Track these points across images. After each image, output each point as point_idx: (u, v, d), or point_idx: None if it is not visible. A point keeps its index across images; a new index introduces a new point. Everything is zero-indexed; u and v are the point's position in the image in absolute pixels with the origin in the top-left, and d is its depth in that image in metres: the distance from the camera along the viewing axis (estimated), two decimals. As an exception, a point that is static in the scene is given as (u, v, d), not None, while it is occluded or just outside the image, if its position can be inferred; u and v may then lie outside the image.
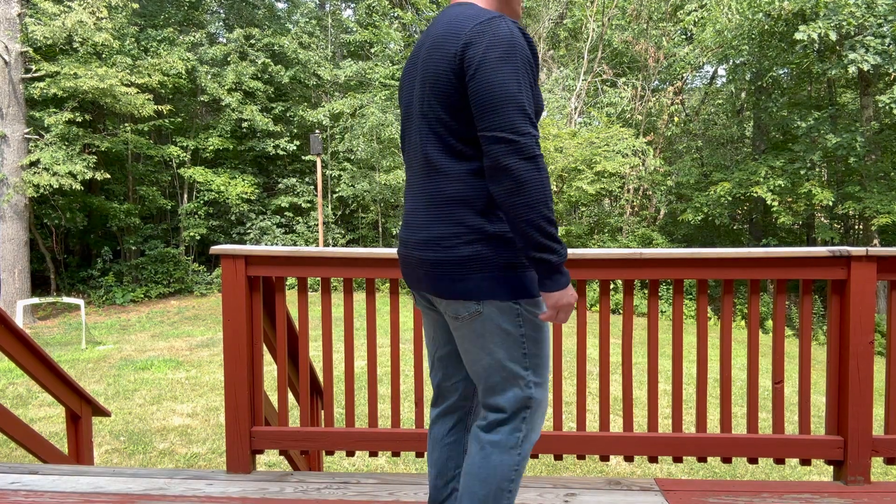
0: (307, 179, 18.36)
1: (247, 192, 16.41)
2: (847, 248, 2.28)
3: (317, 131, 17.31)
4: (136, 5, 13.55)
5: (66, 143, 12.99)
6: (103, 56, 13.52)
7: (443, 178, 1.53)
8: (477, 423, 1.65)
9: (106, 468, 2.52)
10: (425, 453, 2.41)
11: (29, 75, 12.73)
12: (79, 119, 13.13)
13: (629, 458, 2.43)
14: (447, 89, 1.48)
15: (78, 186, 12.62)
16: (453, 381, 1.75)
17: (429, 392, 7.12)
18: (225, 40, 18.33)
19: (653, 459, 2.42)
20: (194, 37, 15.98)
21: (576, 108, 16.45)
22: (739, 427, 6.20)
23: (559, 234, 1.76)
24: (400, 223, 16.50)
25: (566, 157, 14.00)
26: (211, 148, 16.50)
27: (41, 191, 12.55)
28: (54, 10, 12.21)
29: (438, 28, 1.54)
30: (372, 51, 17.74)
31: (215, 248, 2.40)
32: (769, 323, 12.93)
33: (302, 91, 18.92)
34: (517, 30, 1.48)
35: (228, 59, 16.68)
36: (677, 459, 2.43)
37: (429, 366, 1.80)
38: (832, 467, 2.39)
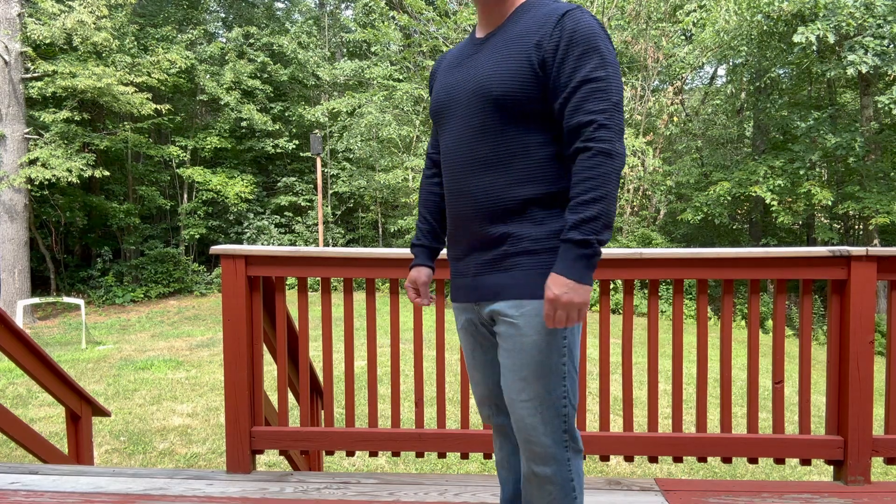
0: (306, 178, 18.38)
1: (245, 192, 16.42)
2: (847, 248, 2.28)
3: (316, 130, 17.31)
4: (133, 0, 13.55)
5: (66, 142, 12.99)
6: (103, 55, 13.53)
7: None
8: None
9: (106, 468, 2.52)
10: (426, 453, 2.40)
11: (28, 75, 12.73)
12: (77, 118, 13.13)
13: (629, 458, 2.43)
14: None
15: (75, 180, 12.61)
16: None
17: (429, 392, 7.12)
18: (224, 39, 18.35)
19: (653, 459, 2.42)
20: (192, 34, 15.98)
21: (575, 109, 16.37)
22: (739, 427, 6.20)
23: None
24: (399, 222, 16.59)
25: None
26: (210, 147, 16.51)
27: (36, 183, 12.56)
28: (55, 10, 12.21)
29: None
30: (372, 50, 17.75)
31: (215, 248, 2.40)
32: (769, 323, 12.93)
33: (301, 91, 18.93)
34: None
35: (227, 57, 16.69)
36: (677, 459, 2.43)
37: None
38: (832, 467, 2.39)
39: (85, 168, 12.85)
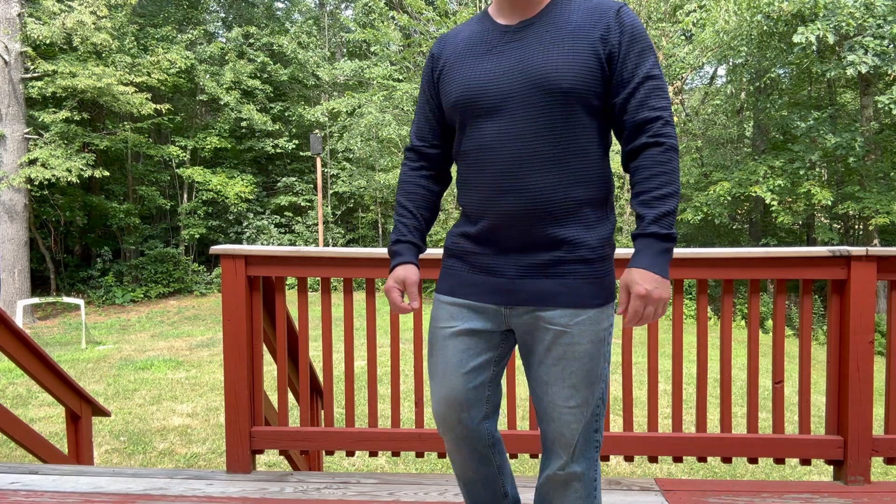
0: (306, 178, 18.39)
1: (245, 192, 16.43)
2: (847, 247, 2.28)
3: (316, 130, 17.32)
4: (134, 0, 13.55)
5: (65, 142, 13.00)
6: (103, 55, 13.54)
7: None
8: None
9: (106, 468, 2.52)
10: (426, 453, 2.39)
11: (28, 75, 12.73)
12: (77, 118, 13.13)
13: (629, 458, 2.43)
14: None
15: (74, 180, 12.62)
16: None
17: (429, 392, 7.12)
18: (224, 39, 18.36)
19: (653, 459, 2.42)
20: (192, 34, 15.99)
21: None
22: (739, 427, 6.20)
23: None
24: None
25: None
26: (210, 147, 16.52)
27: (36, 183, 12.57)
28: (55, 9, 12.22)
29: None
30: (371, 50, 17.77)
31: (215, 248, 2.40)
32: (769, 323, 12.93)
33: (301, 91, 18.94)
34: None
35: (227, 57, 16.70)
36: (677, 459, 2.43)
37: None
38: (832, 467, 2.39)
39: (85, 168, 12.86)
